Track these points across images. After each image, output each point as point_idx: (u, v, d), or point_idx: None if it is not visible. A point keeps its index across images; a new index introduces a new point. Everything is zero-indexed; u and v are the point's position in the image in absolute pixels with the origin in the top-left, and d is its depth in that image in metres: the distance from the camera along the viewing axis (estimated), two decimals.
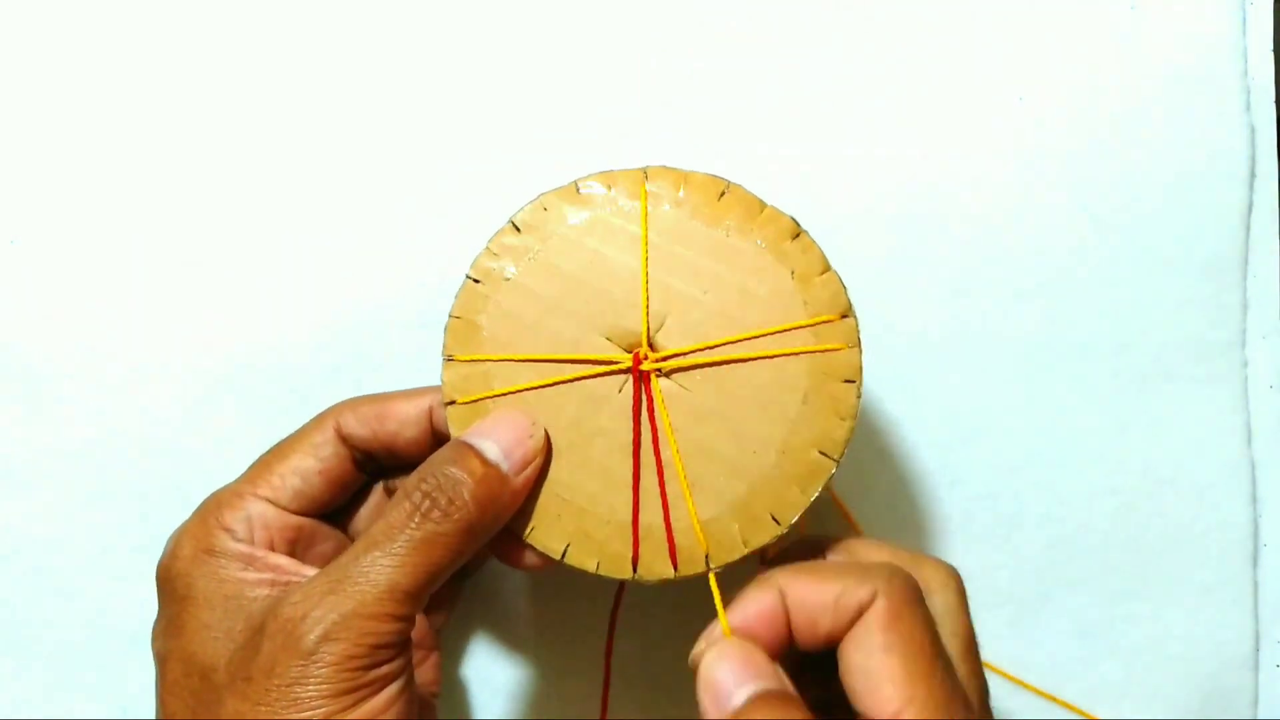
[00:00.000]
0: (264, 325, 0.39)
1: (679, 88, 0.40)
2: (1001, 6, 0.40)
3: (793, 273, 0.31)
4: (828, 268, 0.31)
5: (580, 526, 0.30)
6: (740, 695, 0.28)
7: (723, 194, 0.31)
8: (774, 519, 0.30)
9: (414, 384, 0.34)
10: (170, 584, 0.30)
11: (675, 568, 0.30)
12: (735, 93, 0.40)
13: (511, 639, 0.39)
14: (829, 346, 0.31)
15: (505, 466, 0.29)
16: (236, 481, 0.32)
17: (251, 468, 0.32)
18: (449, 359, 0.31)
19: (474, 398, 0.31)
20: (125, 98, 0.39)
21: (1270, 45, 0.40)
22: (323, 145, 0.39)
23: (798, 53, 0.40)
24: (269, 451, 0.33)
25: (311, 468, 0.32)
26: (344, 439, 0.32)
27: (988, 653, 0.39)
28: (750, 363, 0.30)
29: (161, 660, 0.30)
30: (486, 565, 0.39)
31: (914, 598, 0.28)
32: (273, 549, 0.31)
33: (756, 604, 0.29)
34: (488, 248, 0.32)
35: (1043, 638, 0.39)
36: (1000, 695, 0.40)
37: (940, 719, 0.26)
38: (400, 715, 0.28)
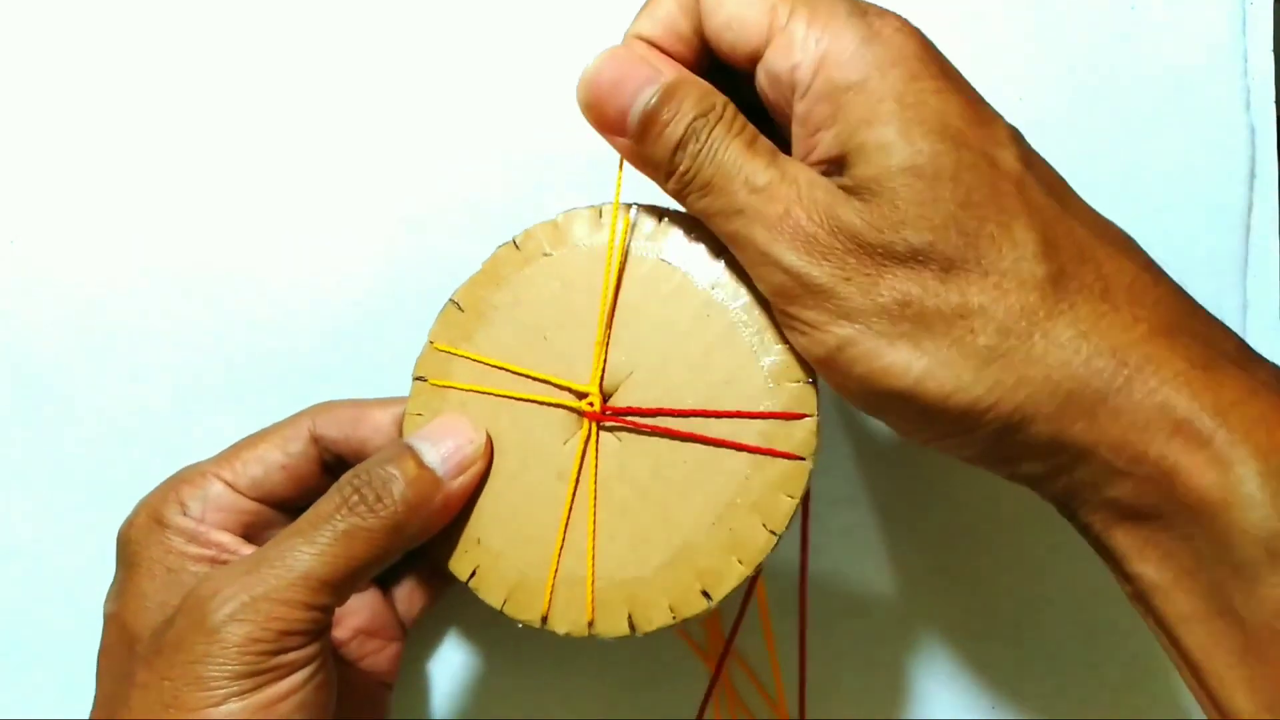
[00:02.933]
0: (264, 326, 0.39)
1: None
2: (1001, 6, 0.40)
3: (766, 363, 0.29)
4: (805, 372, 0.29)
5: (498, 561, 0.30)
6: (641, 99, 0.27)
7: (721, 253, 0.30)
8: (670, 610, 0.29)
9: (408, 388, 0.34)
10: (123, 549, 0.32)
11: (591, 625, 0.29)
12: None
13: (509, 638, 0.39)
14: (775, 450, 0.29)
15: (440, 470, 0.29)
16: (205, 461, 0.33)
17: (223, 451, 0.33)
18: (431, 344, 0.32)
19: (440, 381, 0.31)
20: (125, 98, 0.40)
21: (1270, 45, 0.40)
22: (322, 146, 0.39)
23: None
24: (244, 438, 0.33)
25: (276, 460, 0.33)
26: (315, 439, 0.33)
27: (988, 653, 0.40)
28: (692, 444, 0.29)
29: (106, 621, 0.31)
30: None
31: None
32: (224, 530, 0.32)
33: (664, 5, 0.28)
34: (498, 251, 0.32)
35: (1043, 639, 0.39)
36: (1000, 696, 0.40)
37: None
38: (305, 702, 0.28)
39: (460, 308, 0.32)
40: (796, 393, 0.29)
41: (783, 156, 0.27)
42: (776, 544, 0.29)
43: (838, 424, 0.39)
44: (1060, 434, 0.26)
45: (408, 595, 0.37)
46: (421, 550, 0.31)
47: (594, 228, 0.31)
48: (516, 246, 0.31)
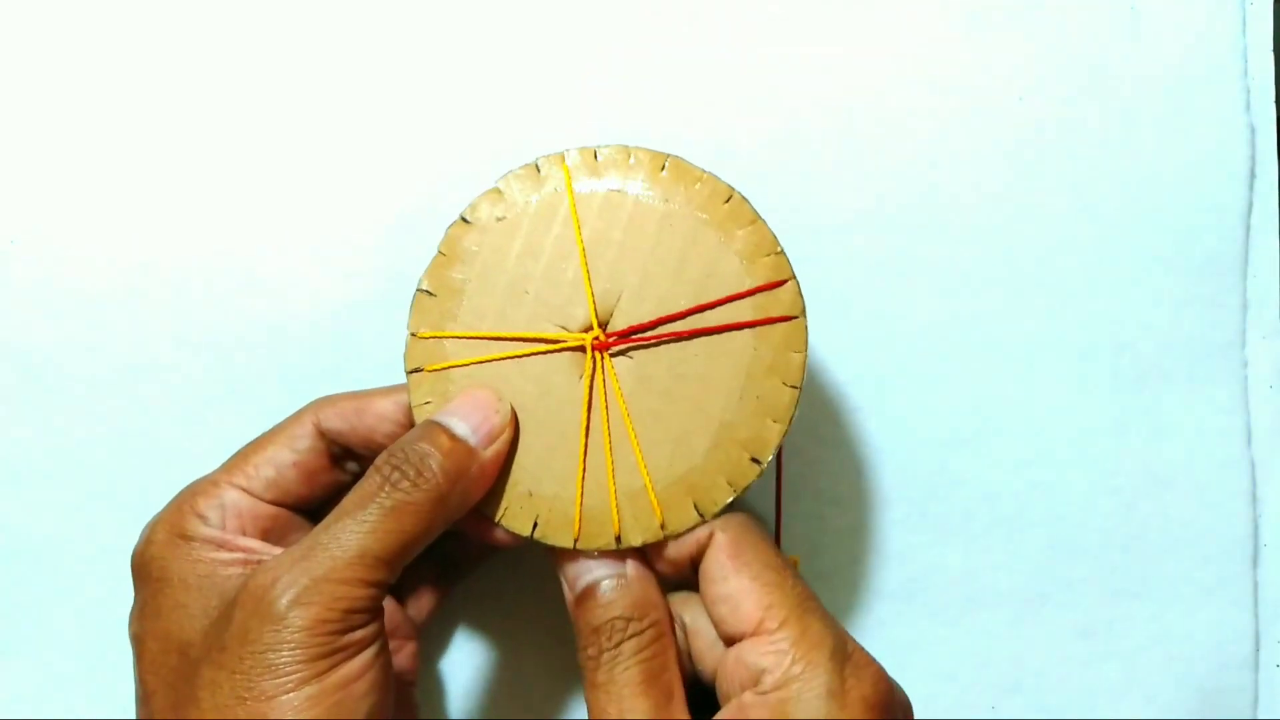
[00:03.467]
0: (264, 326, 0.39)
1: (677, 86, 0.40)
2: (1001, 6, 0.40)
3: (736, 248, 0.32)
4: (772, 243, 0.32)
5: (554, 504, 0.32)
6: (588, 576, 0.32)
7: (663, 168, 0.32)
8: (729, 485, 0.31)
9: None
10: (145, 569, 0.31)
11: (618, 540, 0.32)
12: (733, 92, 0.40)
13: (507, 637, 0.39)
14: (771, 317, 0.31)
15: (473, 441, 0.30)
16: (213, 471, 0.33)
17: (230, 459, 0.33)
18: (413, 335, 0.32)
19: (437, 366, 0.32)
20: (125, 98, 0.39)
21: (1270, 45, 0.40)
22: (318, 142, 0.39)
23: (798, 52, 0.40)
24: (248, 444, 0.33)
25: (286, 459, 0.33)
26: (322, 434, 0.33)
27: (988, 653, 0.40)
28: (697, 339, 0.31)
29: (138, 642, 0.30)
30: (482, 568, 0.39)
31: (750, 524, 0.31)
32: (244, 535, 0.31)
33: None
34: (450, 230, 0.32)
35: (1043, 638, 0.39)
36: (1000, 696, 0.40)
37: (797, 615, 0.29)
38: (376, 681, 0.28)
39: (431, 293, 0.32)
40: (772, 264, 0.32)
41: (677, 710, 0.30)
42: (799, 397, 0.31)
43: (836, 424, 0.40)
44: None
45: (417, 596, 0.37)
46: (429, 552, 0.31)
47: (534, 183, 0.32)
48: (466, 221, 0.32)
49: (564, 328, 0.32)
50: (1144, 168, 0.40)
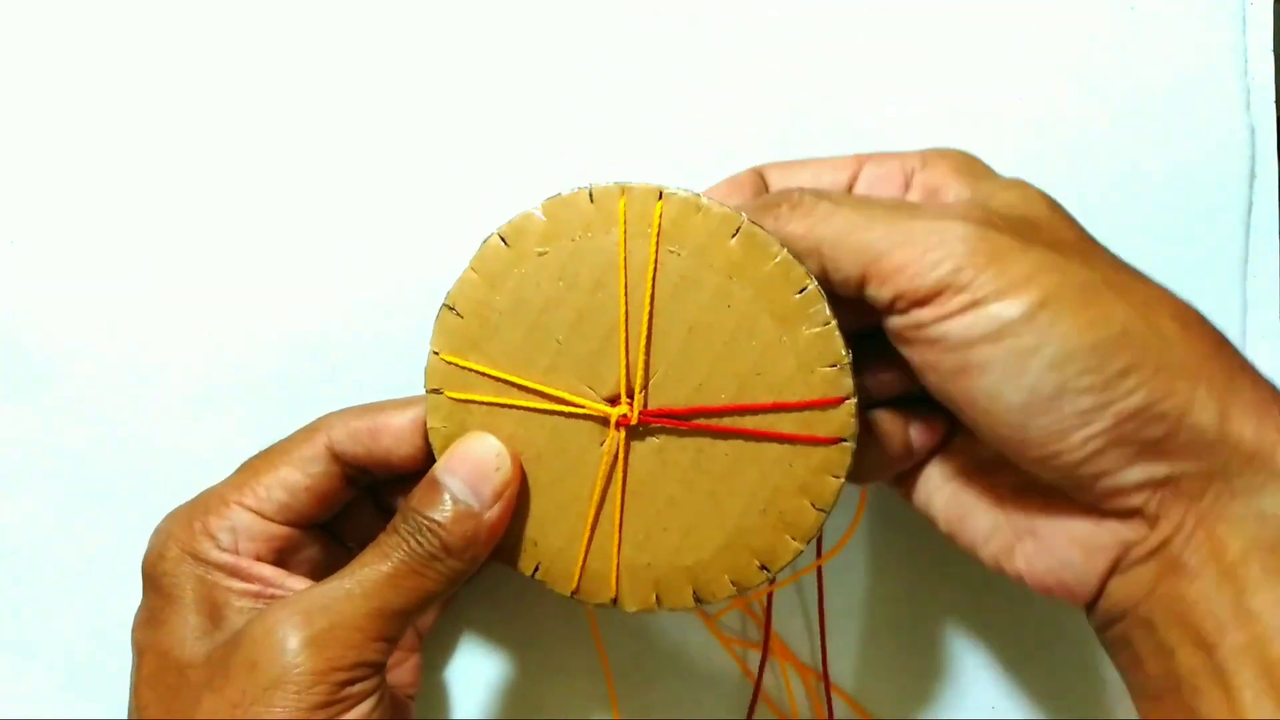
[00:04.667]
0: (264, 326, 0.39)
1: (676, 84, 0.40)
2: (1001, 6, 0.40)
3: (796, 349, 0.29)
4: (838, 354, 0.29)
5: (559, 557, 0.31)
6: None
7: (735, 233, 0.29)
8: (731, 585, 0.30)
9: (413, 386, 0.34)
10: (156, 580, 0.31)
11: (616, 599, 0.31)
12: (733, 97, 0.40)
13: (507, 638, 0.39)
14: (815, 436, 0.29)
15: (475, 505, 0.29)
16: (223, 485, 0.32)
17: (239, 472, 0.32)
18: (435, 354, 0.31)
19: (458, 395, 0.31)
20: (125, 100, 0.39)
21: (1270, 45, 0.40)
22: (323, 147, 0.39)
23: (797, 56, 0.40)
24: (258, 457, 0.32)
25: (299, 483, 0.32)
26: (336, 456, 0.32)
27: (986, 655, 0.40)
28: (730, 439, 0.29)
29: (139, 652, 0.30)
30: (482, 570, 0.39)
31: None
32: (258, 559, 0.31)
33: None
34: (484, 248, 0.30)
35: (1043, 638, 0.39)
36: (1000, 696, 0.40)
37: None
38: None
39: (458, 313, 0.30)
40: (830, 377, 0.29)
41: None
42: (827, 518, 0.29)
43: None
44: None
45: None
46: None
47: (582, 218, 0.29)
48: (505, 243, 0.30)
49: (592, 388, 0.30)
50: (1144, 168, 0.40)
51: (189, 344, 0.39)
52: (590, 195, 0.30)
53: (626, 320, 0.29)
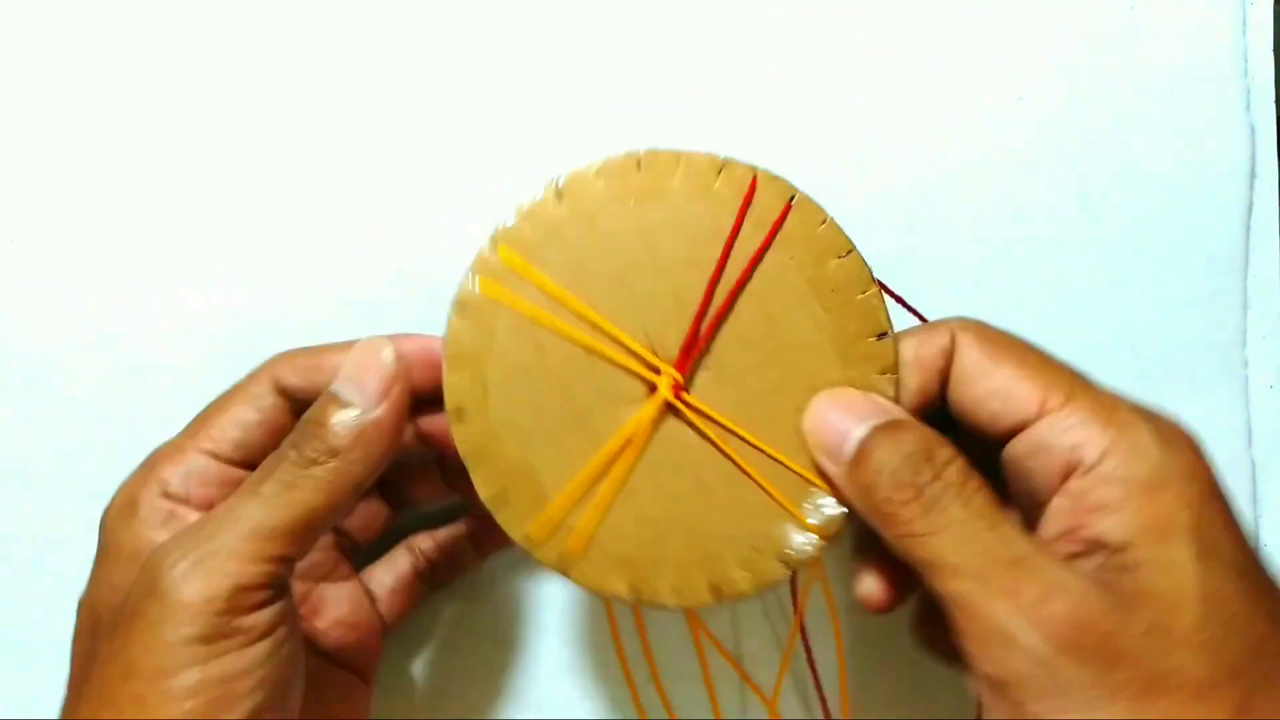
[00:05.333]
0: (263, 325, 0.39)
1: (677, 83, 0.40)
2: (1001, 6, 0.40)
3: (852, 367, 0.29)
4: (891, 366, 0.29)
5: (514, 475, 0.29)
6: (856, 434, 0.28)
7: (824, 222, 0.29)
8: (675, 594, 0.29)
9: None
10: (100, 535, 0.31)
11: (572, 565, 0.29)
12: (733, 92, 0.40)
13: (508, 638, 0.39)
14: (806, 522, 0.29)
15: (360, 403, 0.29)
16: (177, 436, 0.32)
17: (191, 423, 0.32)
18: (495, 242, 0.29)
19: (499, 295, 0.29)
20: (125, 100, 0.39)
21: (1270, 45, 0.40)
22: (321, 142, 0.39)
23: (796, 52, 0.40)
24: (207, 407, 0.32)
25: (251, 418, 0.31)
26: (281, 391, 0.32)
27: None
28: (758, 454, 0.29)
29: (78, 610, 0.30)
30: (482, 569, 0.39)
31: (982, 321, 0.29)
32: (212, 505, 0.30)
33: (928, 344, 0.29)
34: (570, 177, 0.29)
35: None
36: None
37: (1080, 387, 0.27)
38: (267, 678, 0.27)
39: (526, 227, 0.29)
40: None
41: (1025, 531, 0.26)
42: (789, 578, 0.29)
43: None
44: None
45: (390, 595, 0.36)
46: (416, 549, 0.30)
47: (692, 179, 0.29)
48: (599, 175, 0.29)
49: (651, 347, 0.29)
50: (1144, 168, 0.40)
51: (189, 344, 0.39)
52: (719, 166, 0.29)
53: (711, 294, 0.29)
